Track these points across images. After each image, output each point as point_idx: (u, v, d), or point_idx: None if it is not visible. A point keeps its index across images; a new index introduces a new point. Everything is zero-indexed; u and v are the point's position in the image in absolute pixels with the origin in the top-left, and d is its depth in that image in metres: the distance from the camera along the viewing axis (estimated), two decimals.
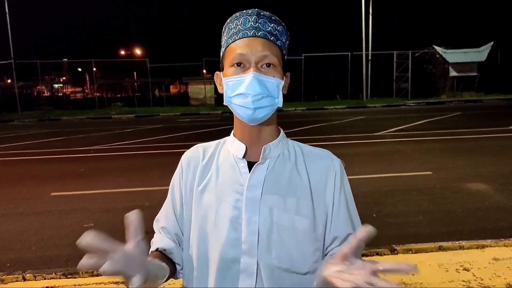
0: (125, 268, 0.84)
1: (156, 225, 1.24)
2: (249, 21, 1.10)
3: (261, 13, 1.11)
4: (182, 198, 1.19)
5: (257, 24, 1.09)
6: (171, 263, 1.16)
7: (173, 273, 1.18)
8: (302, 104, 25.51)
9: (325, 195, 1.13)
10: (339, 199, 1.14)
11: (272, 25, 1.11)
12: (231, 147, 1.17)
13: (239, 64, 1.07)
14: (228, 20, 1.15)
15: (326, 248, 1.15)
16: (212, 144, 1.24)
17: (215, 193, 1.13)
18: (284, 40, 1.14)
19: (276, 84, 1.08)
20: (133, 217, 0.89)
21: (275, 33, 1.11)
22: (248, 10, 1.12)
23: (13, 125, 20.68)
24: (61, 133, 15.44)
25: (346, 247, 0.88)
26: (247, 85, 1.05)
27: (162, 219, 1.22)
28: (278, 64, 1.10)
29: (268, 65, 1.07)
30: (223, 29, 1.16)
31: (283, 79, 1.11)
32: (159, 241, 1.19)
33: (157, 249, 1.16)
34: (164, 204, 1.25)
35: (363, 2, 27.71)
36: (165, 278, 1.04)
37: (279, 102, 1.10)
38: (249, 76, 1.05)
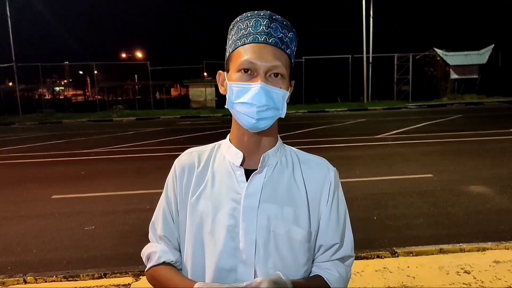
0: None
1: (153, 233, 1.21)
2: (260, 25, 1.06)
3: (274, 17, 1.08)
4: (178, 205, 1.17)
5: (269, 29, 1.06)
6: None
7: None
8: (303, 106, 25.51)
9: (319, 205, 1.13)
10: (331, 209, 1.14)
11: (283, 31, 1.07)
12: (227, 153, 1.15)
13: (246, 71, 1.04)
14: (238, 19, 1.11)
15: (314, 256, 1.15)
16: (206, 148, 1.21)
17: (211, 200, 1.12)
18: (293, 48, 1.11)
19: (282, 96, 1.06)
20: None
21: (285, 40, 1.08)
22: (260, 12, 1.08)
23: (14, 128, 20.70)
24: (62, 136, 15.46)
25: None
26: (253, 95, 1.02)
27: (160, 227, 1.19)
28: (286, 75, 1.07)
29: (276, 75, 1.05)
30: (231, 26, 1.12)
31: (288, 89, 1.09)
32: (163, 253, 1.16)
33: (163, 262, 1.15)
34: (157, 210, 1.22)
35: (364, 5, 27.75)
36: None
37: (283, 113, 1.08)
38: (256, 86, 1.02)
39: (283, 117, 1.10)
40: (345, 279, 1.15)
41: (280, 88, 1.06)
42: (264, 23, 1.06)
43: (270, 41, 1.05)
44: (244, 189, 1.09)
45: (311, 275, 1.14)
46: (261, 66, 1.03)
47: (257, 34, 1.05)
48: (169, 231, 1.18)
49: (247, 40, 1.06)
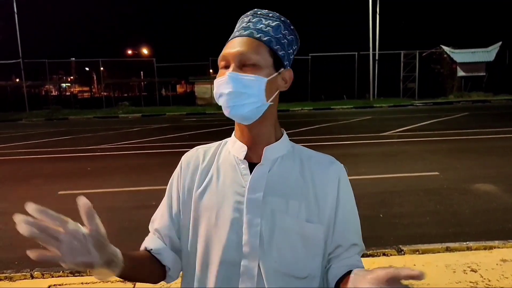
0: (85, 256, 0.83)
1: (151, 226, 1.22)
2: (243, 22, 1.10)
3: (258, 12, 1.10)
4: (180, 200, 1.17)
5: (248, 24, 1.09)
6: (159, 265, 1.14)
7: (161, 276, 1.15)
8: (308, 104, 25.49)
9: (327, 201, 1.11)
10: (342, 206, 1.12)
11: (266, 22, 1.08)
12: (232, 148, 1.16)
13: (225, 66, 1.08)
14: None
15: (329, 255, 1.12)
16: (212, 145, 1.22)
17: (215, 194, 1.12)
18: (278, 35, 1.08)
19: (256, 82, 1.05)
20: (84, 201, 0.83)
21: (266, 29, 1.07)
22: (248, 12, 1.12)
23: (21, 124, 20.83)
24: (68, 132, 15.53)
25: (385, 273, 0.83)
26: (223, 85, 1.05)
27: (157, 220, 1.20)
28: (263, 61, 1.06)
29: (251, 64, 1.05)
30: None
31: (268, 76, 1.06)
32: (148, 241, 1.17)
33: (145, 249, 1.15)
34: (160, 205, 1.22)
35: (370, 2, 27.61)
36: (118, 270, 0.91)
37: (264, 100, 1.07)
38: (224, 77, 1.05)
39: (271, 103, 1.09)
40: None
41: (254, 74, 1.05)
42: (247, 19, 1.09)
43: (245, 33, 1.07)
44: (248, 182, 1.09)
45: (342, 274, 1.08)
46: (230, 57, 1.06)
47: (236, 32, 1.09)
48: (163, 225, 1.18)
49: (229, 40, 1.10)
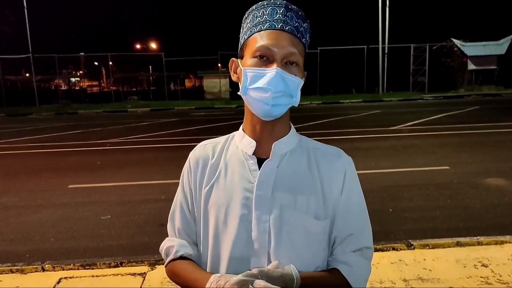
0: None
1: (171, 226, 1.21)
2: (277, 13, 1.06)
3: (290, 6, 1.07)
4: (193, 197, 1.17)
5: (285, 17, 1.05)
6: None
7: None
8: (317, 98, 25.38)
9: (333, 194, 1.10)
10: (345, 198, 1.11)
11: (298, 21, 1.07)
12: (240, 143, 1.15)
13: (262, 57, 1.03)
14: (254, 7, 1.10)
15: (332, 247, 1.13)
16: (220, 140, 1.21)
17: (224, 190, 1.11)
18: (307, 39, 1.10)
19: (297, 84, 1.05)
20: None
21: (301, 29, 1.07)
22: (276, 1, 1.08)
23: (31, 118, 20.98)
24: (78, 127, 15.62)
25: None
26: (269, 80, 1.01)
27: (178, 220, 1.19)
28: (301, 63, 1.06)
29: (292, 63, 1.04)
30: (246, 15, 1.11)
31: (302, 78, 1.07)
32: (181, 246, 1.16)
33: (181, 256, 1.15)
34: (175, 203, 1.22)
35: None
36: None
37: (296, 102, 1.07)
38: (272, 71, 1.01)
39: (296, 106, 1.09)
40: (364, 272, 1.11)
41: (296, 75, 1.05)
42: (281, 11, 1.06)
43: (287, 28, 1.04)
44: (257, 178, 1.08)
45: (328, 268, 1.12)
46: (278, 52, 1.02)
47: (274, 22, 1.05)
48: (187, 224, 1.18)
49: (263, 26, 1.05)
